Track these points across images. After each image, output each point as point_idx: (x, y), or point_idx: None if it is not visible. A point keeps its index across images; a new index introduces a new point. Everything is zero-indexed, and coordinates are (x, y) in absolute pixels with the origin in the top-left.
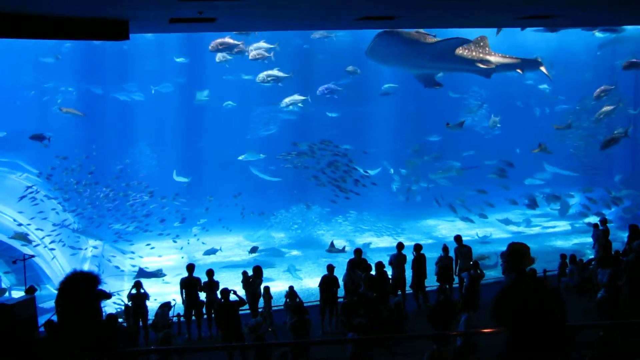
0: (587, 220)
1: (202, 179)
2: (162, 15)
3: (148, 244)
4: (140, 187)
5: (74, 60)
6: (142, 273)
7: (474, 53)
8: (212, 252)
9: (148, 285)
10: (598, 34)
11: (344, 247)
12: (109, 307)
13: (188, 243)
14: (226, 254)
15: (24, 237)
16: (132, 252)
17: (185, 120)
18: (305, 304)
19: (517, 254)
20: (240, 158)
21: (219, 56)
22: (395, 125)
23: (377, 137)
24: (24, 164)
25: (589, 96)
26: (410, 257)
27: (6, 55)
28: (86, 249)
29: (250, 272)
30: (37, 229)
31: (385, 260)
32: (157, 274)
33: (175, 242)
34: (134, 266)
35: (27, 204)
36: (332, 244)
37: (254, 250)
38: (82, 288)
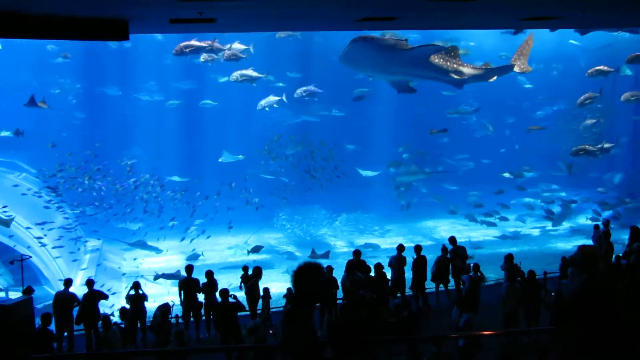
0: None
1: (205, 177)
2: (163, 15)
3: (158, 239)
4: (149, 182)
5: (78, 59)
6: (162, 275)
7: (448, 63)
8: (194, 257)
9: (149, 286)
10: (621, 33)
11: (327, 252)
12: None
13: (191, 241)
14: (225, 254)
15: (3, 222)
16: (131, 249)
17: (192, 119)
18: None
19: (589, 257)
20: (220, 160)
21: (204, 56)
22: (400, 126)
23: (382, 137)
24: (22, 163)
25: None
26: (410, 259)
27: (8, 55)
28: (86, 249)
29: (251, 270)
30: (27, 228)
31: (385, 262)
32: (177, 275)
33: (183, 239)
34: (139, 275)
35: (23, 203)
36: (313, 251)
37: (256, 249)
38: (310, 276)
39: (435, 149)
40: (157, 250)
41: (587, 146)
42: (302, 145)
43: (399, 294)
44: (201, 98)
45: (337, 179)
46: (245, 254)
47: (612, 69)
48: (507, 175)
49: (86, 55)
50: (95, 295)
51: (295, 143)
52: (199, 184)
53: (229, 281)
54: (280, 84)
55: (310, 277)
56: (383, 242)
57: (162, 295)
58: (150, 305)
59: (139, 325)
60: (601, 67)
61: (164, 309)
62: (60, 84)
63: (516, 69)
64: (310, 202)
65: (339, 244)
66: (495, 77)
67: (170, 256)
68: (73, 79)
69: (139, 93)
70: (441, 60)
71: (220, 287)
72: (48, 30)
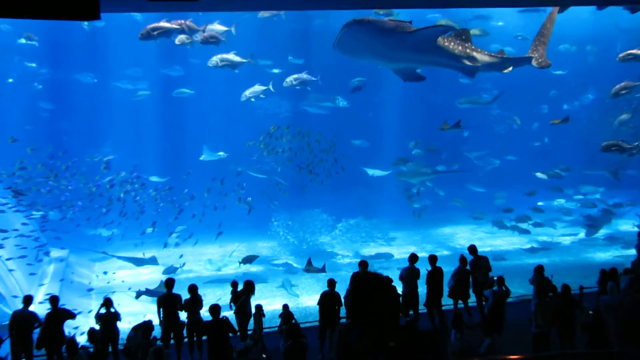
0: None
1: (190, 176)
2: None
3: (136, 245)
4: (127, 180)
5: (43, 41)
6: (146, 292)
7: (460, 47)
8: (171, 270)
9: (122, 304)
10: None
11: (323, 266)
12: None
13: (176, 245)
14: (211, 265)
15: None
16: (103, 258)
17: (177, 111)
18: (302, 325)
19: None
20: (201, 159)
21: (181, 38)
22: (415, 118)
23: (393, 131)
24: None
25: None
26: (424, 270)
27: None
28: (49, 260)
29: (241, 285)
30: None
31: (395, 274)
32: (160, 290)
33: (166, 246)
34: (111, 291)
35: None
36: (309, 262)
37: (249, 260)
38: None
39: (456, 145)
40: (141, 262)
41: (621, 142)
42: (297, 139)
43: (411, 312)
44: (191, 87)
45: (341, 180)
46: (234, 264)
47: None
48: (540, 175)
49: (55, 36)
50: (59, 315)
51: (291, 137)
52: (184, 183)
53: (217, 296)
54: (275, 70)
55: (368, 289)
56: (394, 251)
57: (138, 313)
58: (124, 326)
59: (110, 348)
60: (635, 51)
61: (146, 327)
62: (22, 68)
63: (534, 63)
64: (310, 206)
65: (344, 253)
66: (510, 68)
67: (144, 269)
68: (39, 64)
69: (120, 81)
70: (450, 44)
71: (205, 303)
72: (4, 8)
